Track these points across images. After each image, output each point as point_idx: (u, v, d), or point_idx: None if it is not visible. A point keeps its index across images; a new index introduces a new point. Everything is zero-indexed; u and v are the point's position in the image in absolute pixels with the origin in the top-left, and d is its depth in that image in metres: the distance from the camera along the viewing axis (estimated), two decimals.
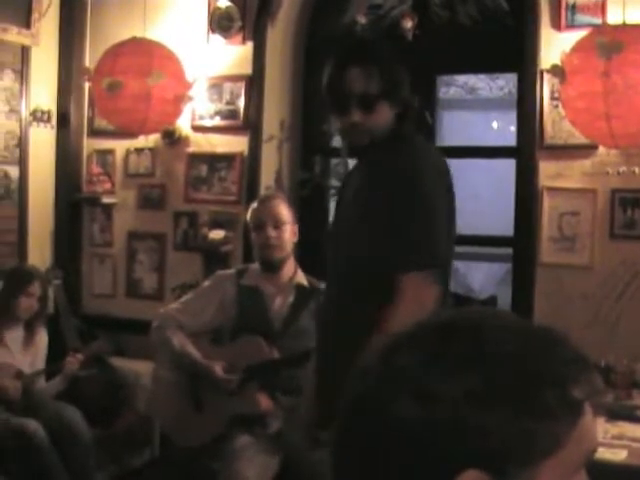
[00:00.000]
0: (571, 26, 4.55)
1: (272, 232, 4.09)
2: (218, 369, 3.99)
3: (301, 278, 4.22)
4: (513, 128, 5.22)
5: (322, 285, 4.27)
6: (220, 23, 5.42)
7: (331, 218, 5.47)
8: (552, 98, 4.56)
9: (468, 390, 0.92)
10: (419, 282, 2.80)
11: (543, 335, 1.00)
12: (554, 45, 4.54)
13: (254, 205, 4.26)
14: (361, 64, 3.05)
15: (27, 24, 5.62)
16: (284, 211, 4.16)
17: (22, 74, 5.65)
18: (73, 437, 4.62)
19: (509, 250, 5.21)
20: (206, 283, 4.36)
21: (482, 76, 9.00)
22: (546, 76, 4.55)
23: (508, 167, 5.12)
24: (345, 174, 3.62)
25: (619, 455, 3.26)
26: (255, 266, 4.25)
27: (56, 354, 5.00)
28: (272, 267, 4.15)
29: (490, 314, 1.04)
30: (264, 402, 3.95)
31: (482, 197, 8.18)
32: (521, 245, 4.89)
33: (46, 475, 4.49)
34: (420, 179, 2.88)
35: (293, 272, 4.21)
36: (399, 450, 0.93)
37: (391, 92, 3.03)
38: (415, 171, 2.92)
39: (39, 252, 5.77)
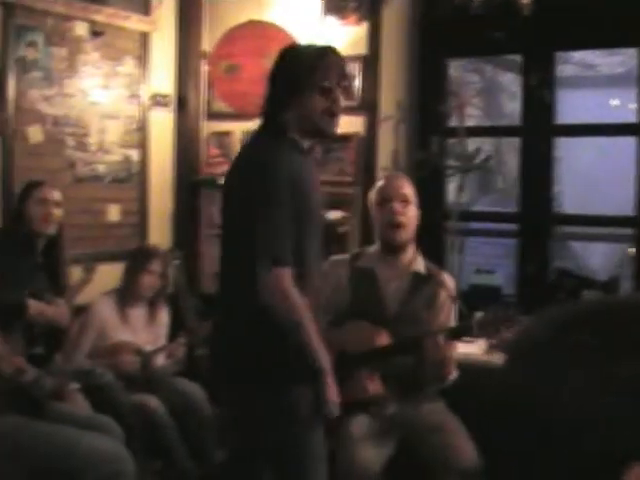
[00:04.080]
0: None
1: (398, 207, 3.97)
2: None
3: (419, 265, 4.07)
4: (633, 105, 5.09)
5: (443, 273, 4.21)
6: (335, 3, 5.43)
7: (449, 198, 5.45)
8: None
9: None
10: (273, 278, 3.00)
11: None
12: None
13: (379, 183, 4.17)
14: None
15: (146, 11, 5.73)
16: (410, 190, 4.05)
17: (142, 60, 5.76)
18: (194, 414, 4.71)
19: (630, 230, 5.10)
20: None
21: (599, 52, 8.82)
22: None
23: (628, 145, 5.01)
24: None
25: None
26: (372, 249, 4.15)
27: (176, 333, 5.10)
28: (393, 248, 4.02)
29: None
30: (372, 387, 3.90)
31: (601, 176, 8.04)
32: None
33: (167, 450, 4.59)
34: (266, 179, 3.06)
35: (412, 257, 4.07)
36: (575, 433, 0.89)
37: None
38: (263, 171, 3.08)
39: (159, 233, 5.89)
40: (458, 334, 3.88)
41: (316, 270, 3.23)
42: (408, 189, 4.06)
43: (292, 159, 3.11)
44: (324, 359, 3.09)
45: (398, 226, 3.98)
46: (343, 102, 3.25)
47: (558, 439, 0.90)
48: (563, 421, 0.90)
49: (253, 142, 3.30)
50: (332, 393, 3.11)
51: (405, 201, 4.01)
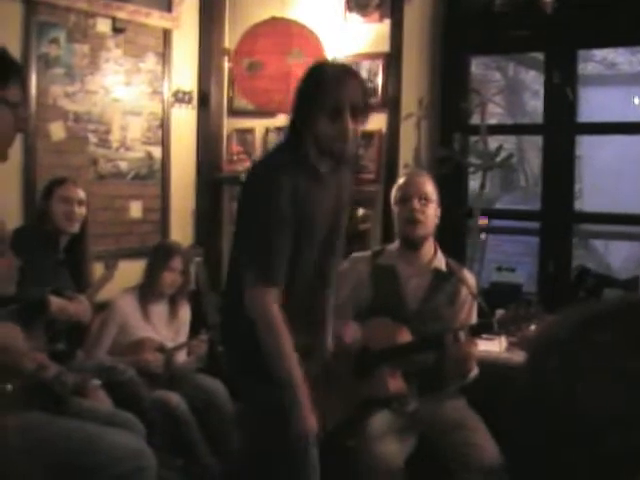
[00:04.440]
0: None
1: (417, 204, 3.99)
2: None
3: (439, 262, 4.09)
4: None
5: (464, 270, 4.21)
6: (357, 1, 5.43)
7: (470, 196, 5.44)
8: None
9: None
10: (255, 294, 3.09)
11: None
12: None
13: (401, 180, 4.20)
14: None
15: (168, 8, 5.74)
16: (431, 188, 4.07)
17: (164, 57, 5.77)
18: (215, 409, 4.72)
19: None
20: (342, 266, 4.31)
21: (622, 51, 8.80)
22: None
23: None
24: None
25: None
26: (392, 247, 4.17)
27: (197, 330, 5.11)
28: (412, 244, 4.04)
29: None
30: (393, 385, 3.91)
31: (623, 174, 8.01)
32: None
33: (189, 447, 4.60)
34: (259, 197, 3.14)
35: (432, 254, 4.09)
36: (596, 431, 0.89)
37: None
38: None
39: (181, 230, 5.91)
40: (479, 331, 3.88)
41: (304, 282, 3.28)
42: (428, 187, 4.07)
43: (297, 178, 3.10)
44: (298, 387, 3.08)
45: (415, 223, 4.00)
46: (357, 126, 3.17)
47: (580, 437, 0.90)
48: (585, 418, 0.89)
49: (267, 157, 3.40)
50: (307, 420, 3.10)
51: (424, 199, 4.02)
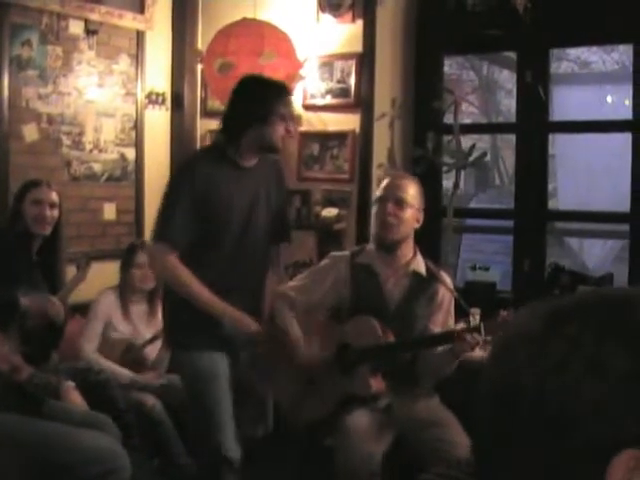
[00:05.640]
0: None
1: (391, 208, 3.93)
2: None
3: (419, 265, 4.04)
4: (628, 102, 5.09)
5: (442, 271, 4.19)
6: (330, 2, 5.43)
7: (445, 195, 5.45)
8: None
9: None
10: (153, 250, 3.97)
11: None
12: None
13: (384, 181, 4.13)
14: None
15: (141, 9, 5.73)
16: (410, 192, 3.99)
17: (137, 58, 5.77)
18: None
19: (625, 226, 5.10)
20: (321, 263, 4.31)
21: (595, 49, 8.85)
22: None
23: (623, 141, 5.02)
24: None
25: None
26: (370, 246, 4.12)
27: None
28: (385, 247, 4.01)
29: None
30: (375, 384, 3.91)
31: (596, 172, 8.04)
32: (638, 221, 4.78)
33: (165, 447, 4.60)
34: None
35: (411, 257, 4.04)
36: (565, 424, 0.88)
37: None
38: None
39: None
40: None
41: (233, 257, 3.91)
42: (407, 191, 4.00)
43: (214, 169, 3.85)
44: (217, 305, 3.81)
45: (387, 226, 3.96)
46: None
47: (549, 432, 0.89)
48: (555, 413, 0.89)
49: (195, 152, 4.29)
50: (243, 322, 3.84)
51: (401, 202, 3.97)
